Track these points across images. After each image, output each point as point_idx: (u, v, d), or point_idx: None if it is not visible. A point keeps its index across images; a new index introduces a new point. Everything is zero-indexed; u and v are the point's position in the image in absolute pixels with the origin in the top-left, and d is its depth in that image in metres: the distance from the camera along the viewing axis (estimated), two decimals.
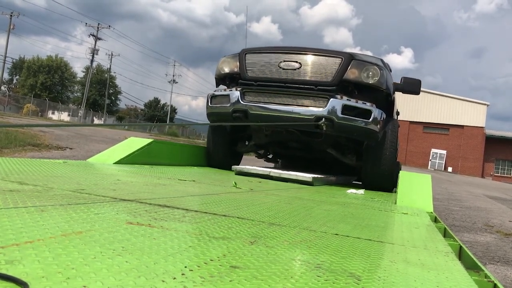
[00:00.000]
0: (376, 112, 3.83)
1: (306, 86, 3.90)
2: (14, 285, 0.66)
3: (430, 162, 42.18)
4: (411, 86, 4.94)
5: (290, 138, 4.53)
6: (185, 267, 0.85)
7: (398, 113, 6.14)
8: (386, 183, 4.18)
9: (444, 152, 42.24)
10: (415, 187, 3.26)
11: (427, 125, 42.75)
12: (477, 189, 16.45)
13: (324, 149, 4.51)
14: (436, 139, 42.64)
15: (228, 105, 4.18)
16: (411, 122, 41.71)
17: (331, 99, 3.82)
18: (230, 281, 0.80)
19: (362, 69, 3.90)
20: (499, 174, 42.99)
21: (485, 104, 42.33)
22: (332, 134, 4.05)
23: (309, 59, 3.98)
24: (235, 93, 4.15)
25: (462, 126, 41.90)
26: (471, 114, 41.86)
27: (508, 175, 42.87)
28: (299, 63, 3.97)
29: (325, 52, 4.02)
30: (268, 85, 4.04)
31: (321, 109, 3.84)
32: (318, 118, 3.79)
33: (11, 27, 44.46)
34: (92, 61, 49.98)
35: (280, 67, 4.02)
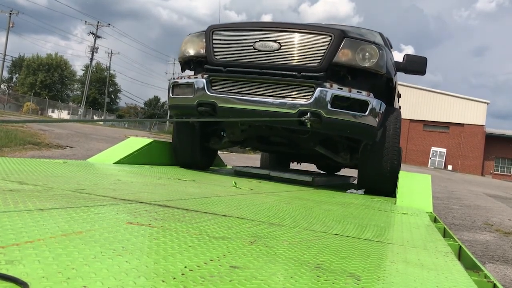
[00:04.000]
0: (374, 103, 3.17)
1: (287, 73, 3.20)
2: (14, 285, 0.66)
3: (430, 160, 42.20)
4: (416, 66, 4.31)
5: (271, 133, 3.90)
6: (185, 267, 0.86)
7: (399, 96, 5.18)
8: (387, 186, 3.57)
9: (444, 150, 42.25)
10: (415, 187, 3.26)
11: (427, 123, 42.74)
12: (477, 187, 16.46)
13: (312, 147, 3.85)
14: (436, 137, 42.65)
15: (192, 96, 3.45)
16: (411, 120, 41.69)
17: (318, 88, 3.12)
18: (230, 281, 0.81)
19: (356, 49, 3.19)
20: (499, 172, 43.01)
21: (485, 102, 42.31)
22: (319, 131, 3.42)
23: (291, 37, 3.24)
24: (201, 82, 3.41)
25: (462, 124, 41.89)
26: (471, 112, 41.85)
27: (508, 174, 42.88)
28: (279, 43, 3.23)
29: (311, 29, 3.30)
30: (240, 71, 3.33)
31: (305, 100, 3.14)
32: (302, 112, 3.11)
33: (11, 25, 44.42)
34: (91, 59, 50.00)
35: (255, 48, 3.28)
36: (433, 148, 42.51)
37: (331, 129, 3.31)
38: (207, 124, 4.07)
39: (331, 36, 3.19)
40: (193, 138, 3.99)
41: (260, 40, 3.29)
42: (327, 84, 3.15)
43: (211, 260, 0.93)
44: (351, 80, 3.29)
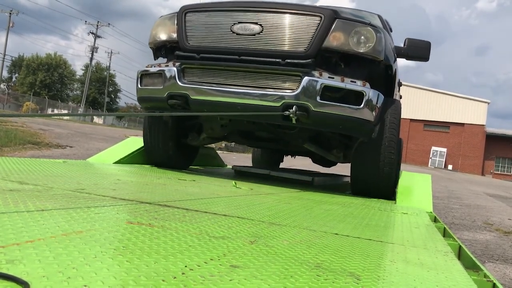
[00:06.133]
0: (370, 94, 2.79)
1: (270, 59, 2.81)
2: (15, 284, 0.66)
3: (430, 160, 42.20)
4: (418, 51, 3.90)
5: (254, 128, 3.52)
6: (185, 266, 0.86)
7: (400, 84, 4.59)
8: (384, 189, 3.18)
9: (445, 150, 42.25)
10: (415, 187, 3.27)
11: (428, 123, 42.75)
12: (477, 187, 16.46)
13: (300, 144, 3.47)
14: (436, 137, 42.65)
15: (162, 87, 3.05)
16: (412, 120, 41.71)
17: (306, 77, 2.74)
18: (230, 280, 0.81)
19: (350, 32, 2.81)
20: (499, 172, 43.02)
21: (485, 102, 42.32)
22: (308, 127, 3.05)
23: (275, 19, 2.85)
24: (171, 70, 3.02)
25: (462, 124, 41.89)
26: (471, 112, 41.85)
27: (508, 173, 42.87)
28: (260, 25, 2.84)
29: (298, 9, 2.88)
30: (216, 59, 2.93)
31: (291, 92, 2.76)
32: (288, 106, 2.73)
33: (11, 25, 44.43)
34: (91, 59, 50.04)
35: (234, 32, 2.89)
36: (434, 148, 42.51)
37: (320, 125, 2.92)
38: (183, 118, 3.65)
39: (320, 17, 2.80)
40: (166, 134, 3.56)
41: (239, 22, 2.90)
42: (316, 73, 2.78)
43: (211, 260, 0.93)
44: (344, 68, 2.93)
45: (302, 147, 3.60)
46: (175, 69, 3.02)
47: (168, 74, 3.03)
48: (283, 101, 2.75)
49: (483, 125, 41.86)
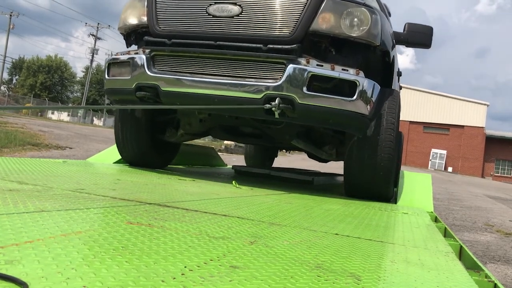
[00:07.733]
0: (364, 84, 2.48)
1: (250, 45, 2.50)
2: (14, 285, 0.65)
3: (430, 162, 42.21)
4: (419, 37, 3.50)
5: (236, 123, 3.22)
6: (185, 267, 0.85)
7: (400, 74, 4.16)
8: (380, 190, 2.87)
9: (444, 152, 42.27)
10: (416, 187, 3.26)
11: (427, 125, 42.78)
12: (478, 189, 16.46)
13: (288, 141, 3.18)
14: (436, 139, 42.68)
15: (130, 77, 2.74)
16: (411, 122, 41.74)
17: (290, 65, 2.42)
18: (230, 281, 0.80)
19: (341, 13, 2.49)
20: (499, 174, 43.02)
21: (485, 104, 42.37)
22: (294, 122, 2.74)
23: None
24: (140, 59, 2.71)
25: (462, 126, 41.93)
26: (471, 114, 41.90)
27: (508, 175, 42.87)
28: (239, 5, 2.52)
29: None
30: (189, 44, 2.62)
31: (273, 82, 2.44)
32: (270, 98, 2.41)
33: (11, 26, 44.51)
34: (91, 61, 50.13)
35: (210, 14, 2.58)
36: (433, 150, 42.53)
37: (308, 119, 2.59)
38: (156, 113, 3.32)
39: None
40: (138, 130, 3.24)
41: (215, 3, 2.57)
42: (303, 60, 2.46)
43: (211, 260, 0.92)
44: (334, 54, 2.62)
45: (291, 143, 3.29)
46: (144, 56, 2.70)
47: (136, 63, 2.72)
48: (265, 92, 2.44)
49: (482, 127, 41.91)
